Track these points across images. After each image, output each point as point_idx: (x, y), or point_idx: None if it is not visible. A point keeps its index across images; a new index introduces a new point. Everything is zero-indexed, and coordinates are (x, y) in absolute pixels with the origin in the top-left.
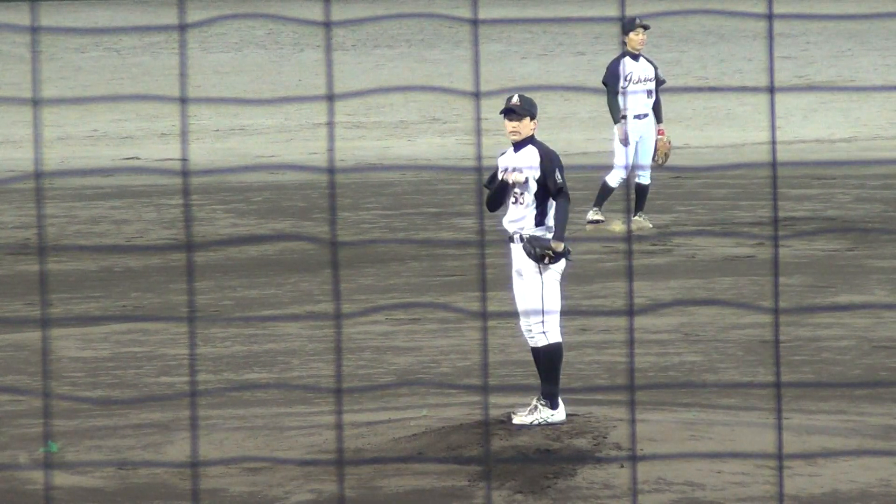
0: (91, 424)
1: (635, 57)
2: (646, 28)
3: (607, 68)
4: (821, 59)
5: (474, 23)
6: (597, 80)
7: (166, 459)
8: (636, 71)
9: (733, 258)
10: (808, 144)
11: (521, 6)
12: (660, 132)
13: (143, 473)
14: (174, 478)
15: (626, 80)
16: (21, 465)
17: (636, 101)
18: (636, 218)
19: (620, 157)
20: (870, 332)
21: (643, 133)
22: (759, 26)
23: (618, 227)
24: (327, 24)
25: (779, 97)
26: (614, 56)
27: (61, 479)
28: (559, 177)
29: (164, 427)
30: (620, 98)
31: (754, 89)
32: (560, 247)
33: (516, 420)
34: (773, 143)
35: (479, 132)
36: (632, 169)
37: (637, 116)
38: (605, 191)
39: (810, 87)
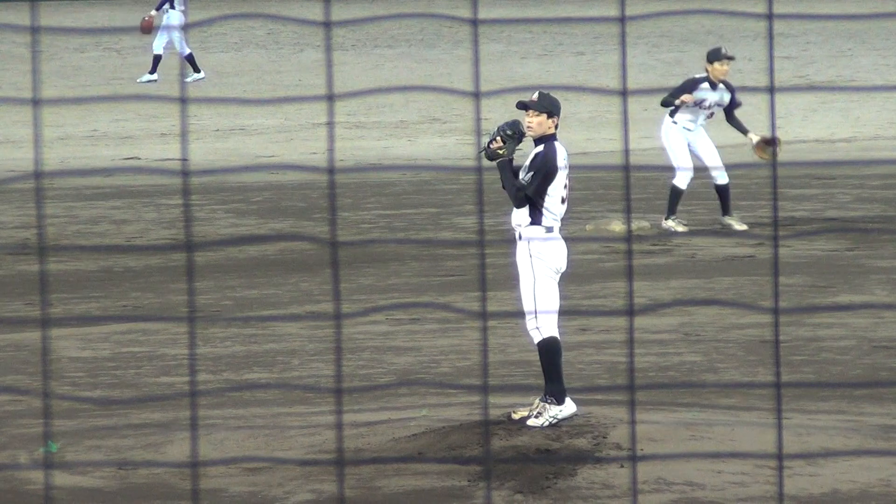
0: (91, 424)
1: (714, 86)
2: (731, 59)
3: (683, 82)
4: (821, 59)
5: (474, 23)
6: (597, 80)
7: (166, 459)
8: (710, 98)
9: (733, 258)
10: (808, 144)
11: (521, 6)
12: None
13: (143, 473)
14: (174, 478)
15: (697, 105)
16: (21, 465)
17: (692, 116)
18: (726, 218)
19: (677, 159)
20: (870, 332)
21: (690, 139)
22: (759, 26)
23: (618, 227)
24: (327, 24)
25: (779, 97)
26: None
27: (61, 479)
28: (528, 178)
29: (164, 427)
30: (679, 113)
31: (754, 89)
32: (500, 152)
33: (530, 423)
34: (774, 142)
35: (479, 132)
36: (680, 171)
37: (685, 128)
38: (676, 195)
39: (810, 87)
